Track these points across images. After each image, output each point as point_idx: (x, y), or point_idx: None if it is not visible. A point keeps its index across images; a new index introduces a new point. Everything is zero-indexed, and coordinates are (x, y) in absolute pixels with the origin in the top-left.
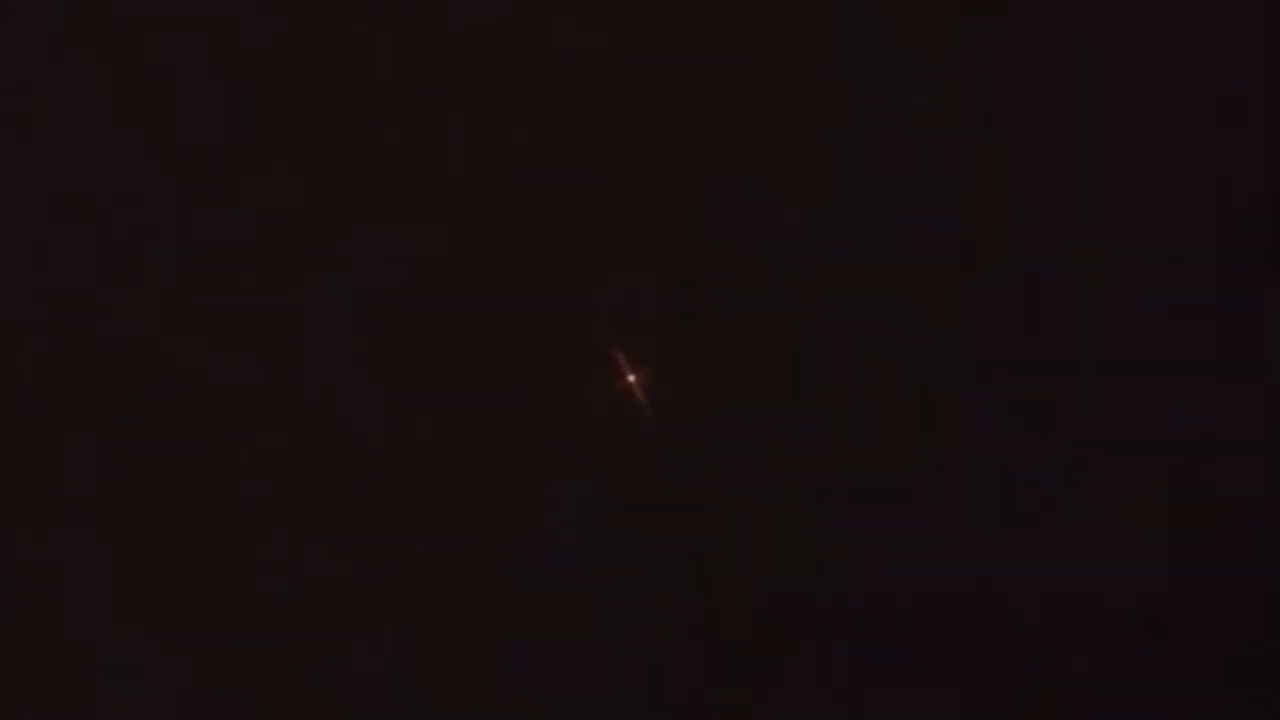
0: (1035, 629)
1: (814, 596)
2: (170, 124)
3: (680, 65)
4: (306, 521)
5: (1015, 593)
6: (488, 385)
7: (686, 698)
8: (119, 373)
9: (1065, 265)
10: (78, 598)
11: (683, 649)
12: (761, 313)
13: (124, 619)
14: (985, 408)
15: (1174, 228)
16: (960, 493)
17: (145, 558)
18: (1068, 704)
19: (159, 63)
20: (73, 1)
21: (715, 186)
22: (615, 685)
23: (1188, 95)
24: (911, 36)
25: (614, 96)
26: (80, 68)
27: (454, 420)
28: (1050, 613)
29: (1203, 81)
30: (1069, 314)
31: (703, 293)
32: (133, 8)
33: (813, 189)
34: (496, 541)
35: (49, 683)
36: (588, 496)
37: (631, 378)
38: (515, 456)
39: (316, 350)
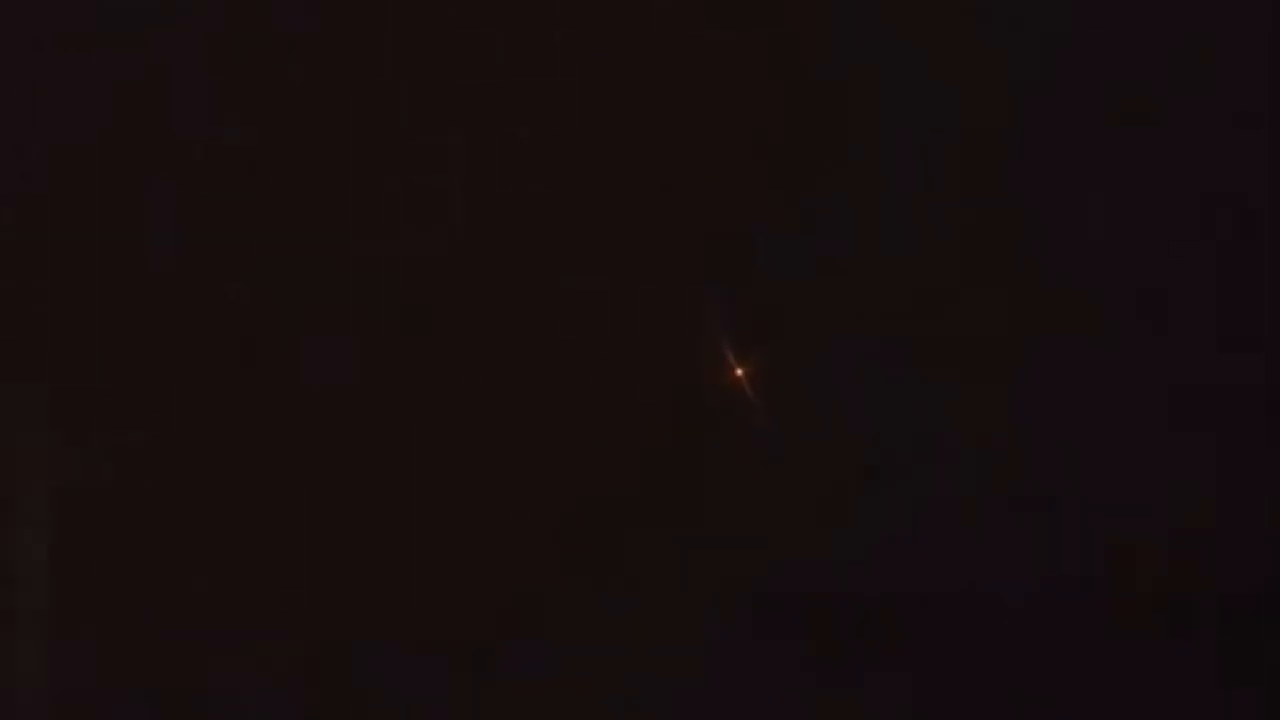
0: (1030, 628)
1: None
2: (174, 124)
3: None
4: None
5: (1009, 592)
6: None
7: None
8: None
9: (1065, 263)
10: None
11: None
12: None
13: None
14: (987, 406)
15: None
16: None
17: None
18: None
19: (161, 63)
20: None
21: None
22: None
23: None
24: (919, 38)
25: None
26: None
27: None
28: (1046, 611)
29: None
30: (1071, 313)
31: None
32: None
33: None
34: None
35: None
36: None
37: (740, 371)
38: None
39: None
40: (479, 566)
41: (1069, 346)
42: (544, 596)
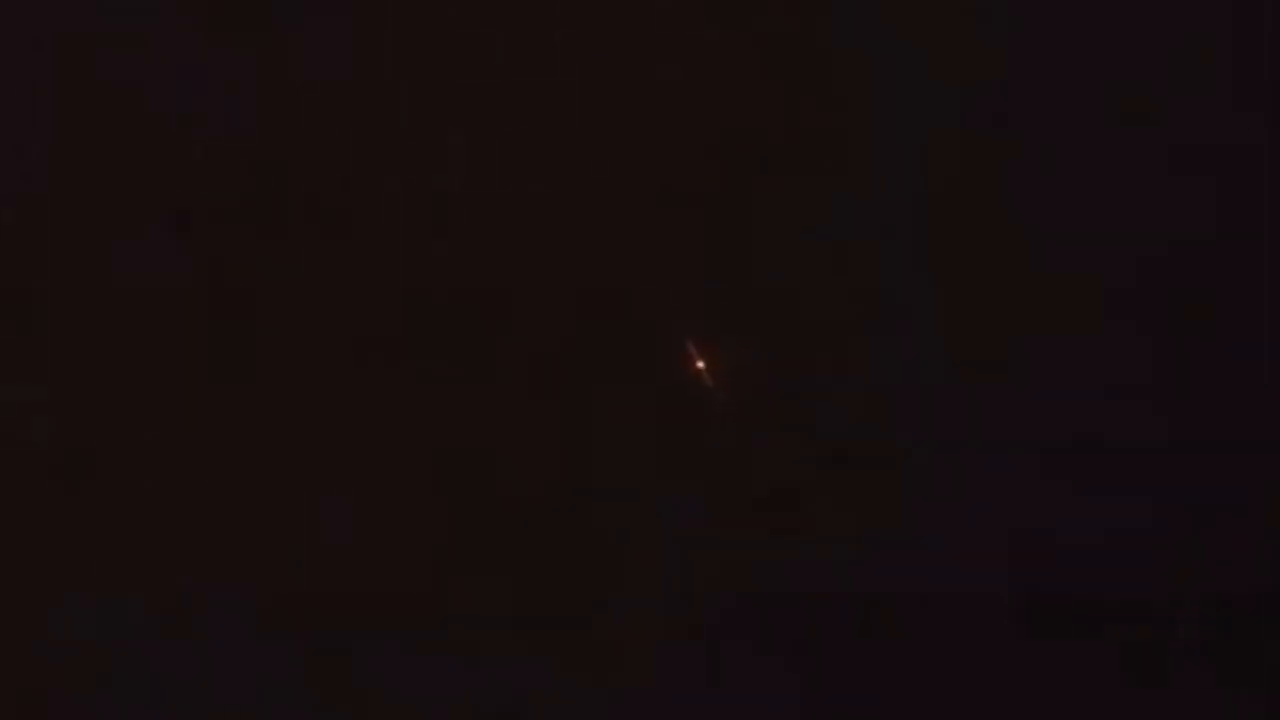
0: (1029, 627)
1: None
2: (173, 123)
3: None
4: None
5: (1009, 592)
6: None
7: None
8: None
9: (1064, 263)
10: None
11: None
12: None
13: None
14: (983, 405)
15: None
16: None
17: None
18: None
19: (161, 62)
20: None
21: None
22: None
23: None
24: (919, 38)
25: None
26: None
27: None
28: (1045, 611)
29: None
30: (1071, 312)
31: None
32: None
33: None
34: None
35: None
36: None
37: (701, 364)
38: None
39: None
40: (476, 565)
41: (1069, 346)
42: (541, 595)
